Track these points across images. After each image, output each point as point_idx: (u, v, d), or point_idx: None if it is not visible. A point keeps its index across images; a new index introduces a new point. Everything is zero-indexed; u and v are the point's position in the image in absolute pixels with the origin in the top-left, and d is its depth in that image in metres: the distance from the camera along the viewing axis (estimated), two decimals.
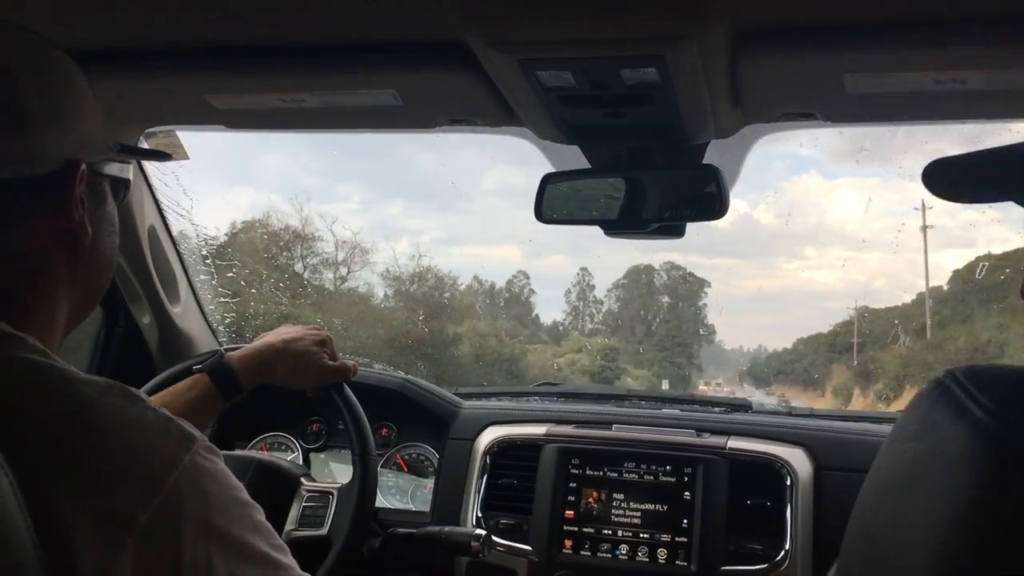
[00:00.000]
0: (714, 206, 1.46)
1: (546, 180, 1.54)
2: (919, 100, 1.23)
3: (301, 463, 2.15)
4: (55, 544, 0.69)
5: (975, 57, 1.09)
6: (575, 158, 1.55)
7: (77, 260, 0.91)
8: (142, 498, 0.74)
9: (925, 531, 0.52)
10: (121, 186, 1.02)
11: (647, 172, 1.51)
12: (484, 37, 1.11)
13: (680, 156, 1.49)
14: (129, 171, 1.04)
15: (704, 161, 1.50)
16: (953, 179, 0.75)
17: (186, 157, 1.84)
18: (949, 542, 0.50)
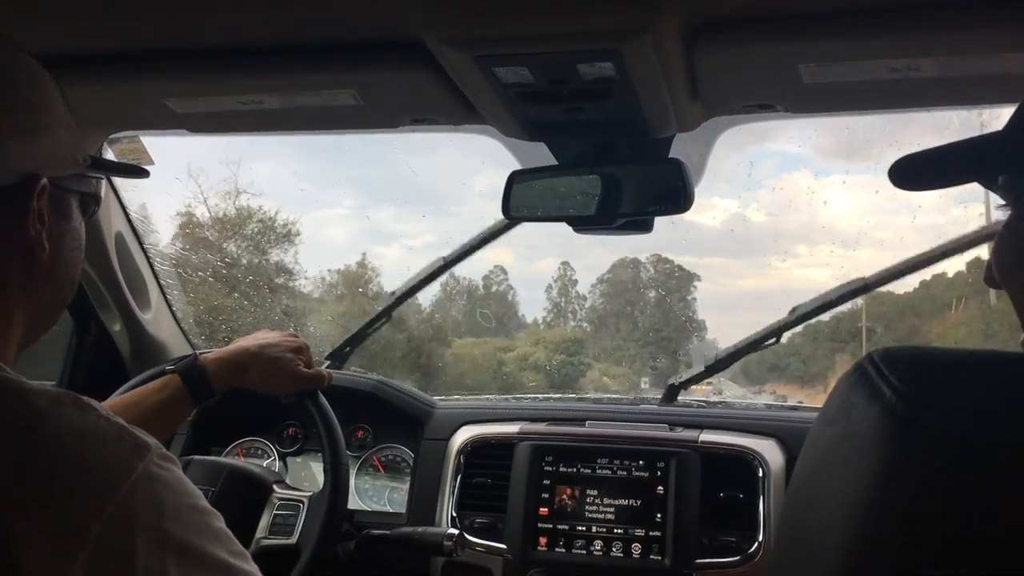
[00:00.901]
0: (679, 199, 1.46)
1: (513, 177, 1.54)
2: (876, 89, 1.24)
3: (277, 468, 2.14)
4: (3, 554, 0.68)
5: (926, 44, 1.10)
6: (544, 155, 1.55)
7: (32, 276, 0.88)
8: (94, 509, 0.73)
9: (840, 511, 0.53)
10: (91, 202, 0.98)
11: (613, 167, 1.50)
12: (439, 34, 1.11)
13: (645, 151, 1.49)
14: (100, 187, 1.01)
15: (672, 155, 1.51)
16: (918, 172, 0.82)
17: (151, 162, 1.82)
18: (860, 520, 0.51)
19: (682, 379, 2.14)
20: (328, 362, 2.27)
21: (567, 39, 1.09)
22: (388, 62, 1.23)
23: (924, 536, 0.49)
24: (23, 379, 0.79)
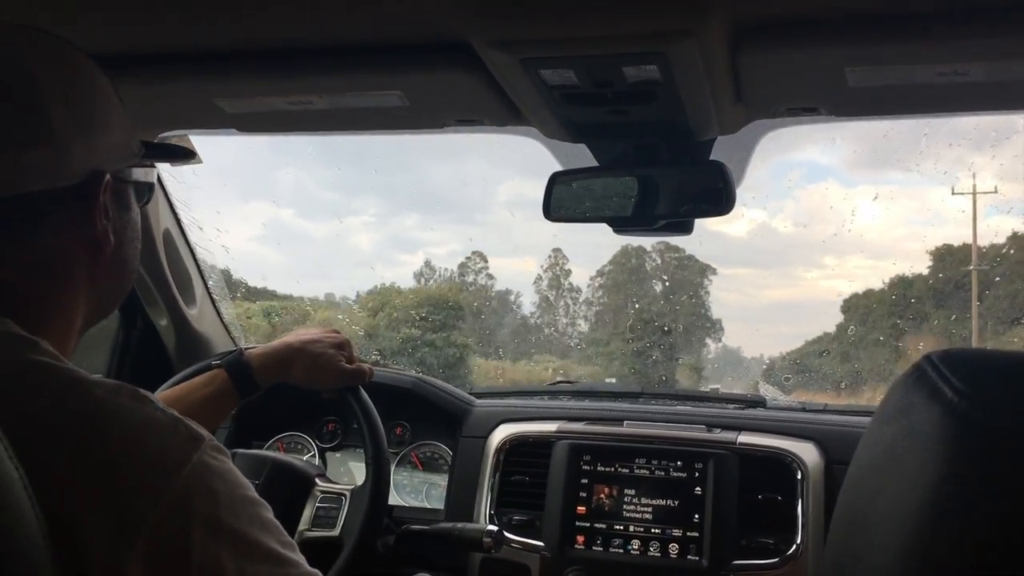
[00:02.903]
0: (721, 201, 1.47)
1: (554, 179, 1.56)
2: (921, 93, 1.23)
3: (317, 463, 2.17)
4: (66, 542, 0.71)
5: (975, 49, 1.09)
6: (583, 157, 1.56)
7: (97, 268, 0.92)
8: (151, 497, 0.75)
9: (900, 508, 0.53)
10: (145, 190, 1.02)
11: (654, 169, 1.51)
12: (486, 36, 1.12)
13: (687, 153, 1.49)
14: (153, 175, 1.04)
15: (712, 157, 1.51)
16: None
17: (200, 162, 1.86)
18: (920, 518, 0.52)
19: None
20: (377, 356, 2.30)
21: (612, 42, 1.10)
22: (435, 64, 1.25)
23: (984, 535, 0.50)
24: (81, 371, 0.82)
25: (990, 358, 0.54)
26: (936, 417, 0.52)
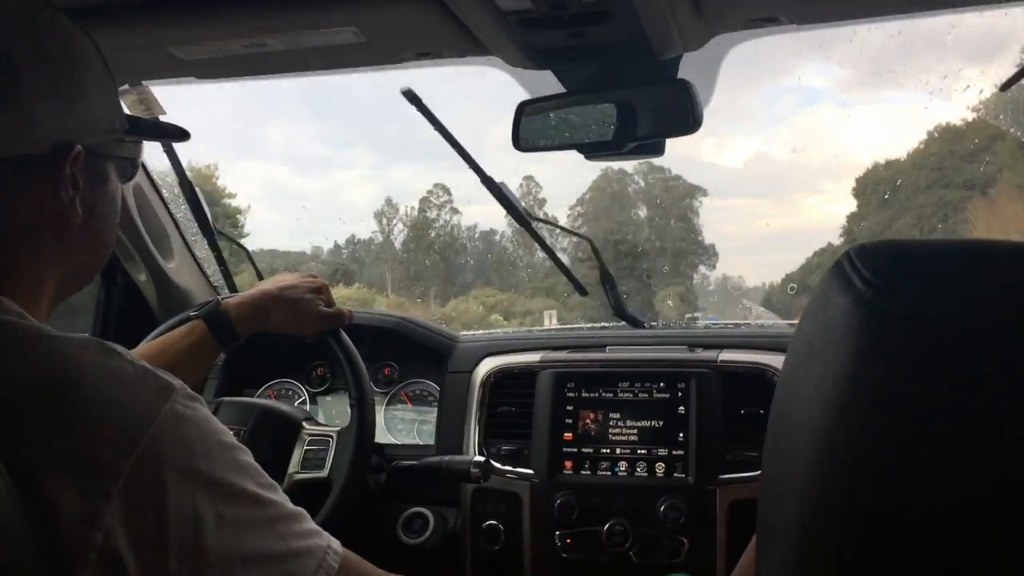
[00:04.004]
0: (687, 120, 1.46)
1: (522, 107, 1.54)
2: None
3: (308, 408, 2.19)
4: (37, 499, 0.71)
5: None
6: (552, 85, 1.54)
7: (64, 240, 0.89)
8: (123, 448, 0.75)
9: (818, 398, 0.55)
10: (129, 166, 0.98)
11: (622, 91, 1.50)
12: None
13: (653, 73, 1.48)
14: (140, 151, 1.00)
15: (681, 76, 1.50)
16: None
17: (163, 112, 1.83)
18: (835, 405, 0.53)
19: None
20: None
21: None
22: None
23: (895, 411, 0.51)
24: (47, 327, 0.81)
25: (904, 248, 0.55)
26: (847, 308, 0.54)
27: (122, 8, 1.28)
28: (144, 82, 1.68)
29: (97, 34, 1.31)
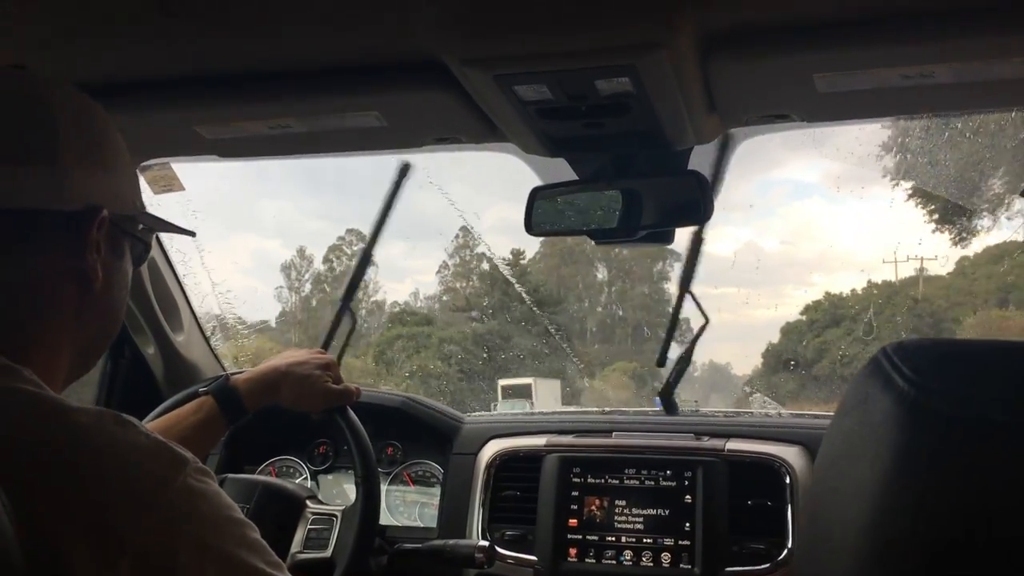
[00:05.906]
0: (698, 211, 1.49)
1: (535, 193, 1.57)
2: (890, 96, 1.25)
3: (309, 486, 2.17)
4: (48, 567, 0.71)
5: (940, 51, 1.11)
6: (563, 171, 1.58)
7: (84, 303, 0.93)
8: (134, 520, 0.76)
9: (859, 497, 0.54)
10: (142, 249, 1.04)
11: (634, 180, 1.53)
12: (459, 54, 1.14)
13: (664, 163, 1.51)
14: (151, 238, 1.06)
15: (691, 167, 1.53)
16: None
17: (182, 188, 1.87)
18: (877, 505, 0.53)
19: None
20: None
21: (583, 56, 1.12)
22: (410, 83, 1.27)
23: (934, 524, 0.51)
24: (64, 399, 0.83)
25: (941, 347, 0.56)
26: (889, 407, 0.54)
27: (154, 86, 1.32)
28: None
29: (127, 110, 1.37)
